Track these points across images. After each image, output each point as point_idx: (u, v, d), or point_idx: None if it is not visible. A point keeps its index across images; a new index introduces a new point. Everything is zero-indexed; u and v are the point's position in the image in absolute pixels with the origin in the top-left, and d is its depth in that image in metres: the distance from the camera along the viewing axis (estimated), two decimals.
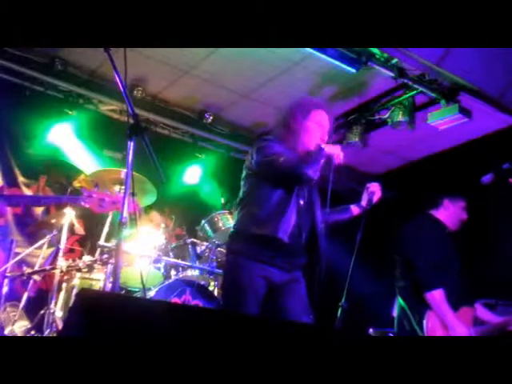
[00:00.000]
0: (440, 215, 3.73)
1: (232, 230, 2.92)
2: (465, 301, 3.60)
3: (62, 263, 4.00)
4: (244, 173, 2.93)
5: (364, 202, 3.08)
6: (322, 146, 2.80)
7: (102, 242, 4.02)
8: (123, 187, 2.83)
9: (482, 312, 3.79)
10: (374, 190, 3.08)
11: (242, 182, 2.93)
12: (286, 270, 2.79)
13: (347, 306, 2.66)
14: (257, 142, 2.91)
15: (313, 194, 2.94)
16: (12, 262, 4.26)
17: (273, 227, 2.71)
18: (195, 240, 4.62)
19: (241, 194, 2.91)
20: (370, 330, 4.37)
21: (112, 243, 3.93)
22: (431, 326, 3.40)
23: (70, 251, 5.18)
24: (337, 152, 2.81)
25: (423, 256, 3.49)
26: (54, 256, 4.73)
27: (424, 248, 3.53)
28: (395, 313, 3.76)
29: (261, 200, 2.79)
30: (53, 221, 4.27)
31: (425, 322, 3.41)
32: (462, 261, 3.97)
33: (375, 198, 3.09)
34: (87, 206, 2.88)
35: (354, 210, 3.09)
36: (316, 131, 2.89)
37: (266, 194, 2.78)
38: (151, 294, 3.89)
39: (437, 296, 3.39)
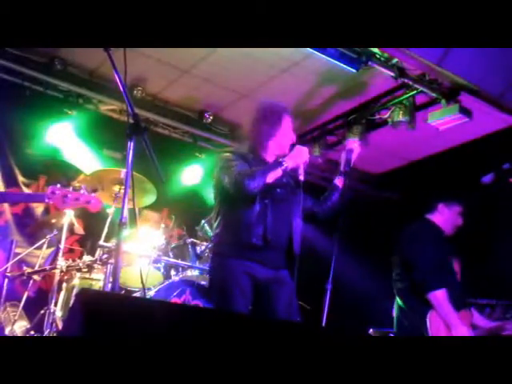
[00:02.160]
0: (436, 219, 3.75)
1: (211, 242, 2.98)
2: (463, 304, 3.61)
3: (61, 263, 4.00)
4: (213, 191, 2.98)
5: (342, 166, 2.97)
6: (282, 160, 2.77)
7: (101, 241, 4.02)
8: (123, 187, 2.83)
9: (475, 317, 3.80)
10: (352, 148, 2.93)
11: (214, 202, 2.98)
12: (269, 266, 2.81)
13: (332, 287, 2.61)
14: (219, 160, 2.93)
15: (293, 196, 2.92)
16: (12, 261, 4.26)
17: (245, 234, 2.75)
18: (195, 240, 4.62)
19: (213, 211, 2.96)
20: (370, 330, 4.37)
21: (112, 243, 3.93)
22: (434, 326, 3.41)
23: (69, 251, 5.17)
24: (298, 161, 2.79)
25: (425, 257, 3.50)
26: (54, 256, 4.73)
27: (425, 249, 3.54)
28: (395, 313, 3.77)
29: (229, 208, 2.85)
30: (53, 221, 4.27)
31: (428, 322, 3.41)
32: (462, 262, 3.97)
33: (354, 156, 2.93)
34: (51, 202, 2.90)
35: (339, 181, 3.01)
36: (289, 135, 2.94)
37: (231, 202, 2.83)
38: (151, 293, 3.89)
39: (440, 296, 3.40)
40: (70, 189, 2.92)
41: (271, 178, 2.73)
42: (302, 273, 2.78)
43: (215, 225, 2.92)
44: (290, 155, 2.82)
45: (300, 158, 2.81)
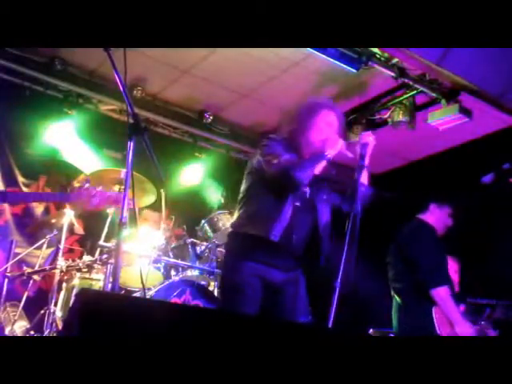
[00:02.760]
0: (428, 219, 3.78)
1: (230, 228, 2.93)
2: (457, 303, 3.64)
3: (61, 263, 4.00)
4: (246, 170, 2.93)
5: (357, 161, 2.79)
6: (326, 152, 2.72)
7: (101, 242, 4.02)
8: (123, 187, 2.83)
9: None
10: (367, 141, 2.79)
11: (244, 180, 2.93)
12: (282, 269, 2.79)
13: (340, 285, 2.55)
14: (263, 140, 2.91)
15: (319, 193, 2.88)
16: (12, 261, 4.26)
17: (265, 229, 2.70)
18: (195, 240, 4.62)
19: (241, 191, 2.91)
20: (370, 330, 4.37)
21: (112, 243, 3.93)
22: (439, 321, 3.43)
23: (69, 251, 5.17)
24: (341, 149, 2.72)
25: (427, 255, 3.54)
26: (54, 256, 4.73)
27: (426, 248, 3.58)
28: (394, 313, 3.78)
29: (257, 199, 2.80)
30: (53, 221, 4.27)
31: (434, 318, 3.44)
32: (461, 262, 3.98)
33: (369, 150, 2.79)
34: (79, 203, 2.77)
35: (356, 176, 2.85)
36: (324, 130, 2.85)
37: (261, 193, 2.79)
38: (151, 293, 3.88)
39: (442, 293, 3.44)
40: (100, 189, 2.79)
41: (318, 168, 2.70)
42: (309, 270, 2.78)
43: (237, 213, 2.85)
44: (327, 147, 2.74)
45: (336, 145, 2.74)
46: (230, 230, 2.92)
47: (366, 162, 2.77)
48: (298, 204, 2.78)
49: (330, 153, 2.73)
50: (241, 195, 2.90)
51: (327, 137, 2.80)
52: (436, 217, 3.79)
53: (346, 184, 2.89)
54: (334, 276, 2.47)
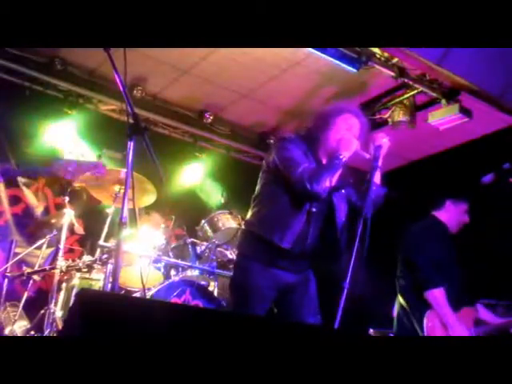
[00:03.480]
0: (442, 216, 3.75)
1: (243, 226, 2.94)
2: (465, 301, 3.61)
3: (61, 263, 4.00)
4: (262, 168, 2.92)
5: (372, 162, 2.77)
6: (341, 153, 2.71)
7: (101, 242, 4.01)
8: (123, 187, 2.82)
9: (483, 313, 3.80)
10: (381, 144, 2.78)
11: (259, 178, 2.92)
12: (293, 271, 2.80)
13: (348, 286, 2.52)
14: (279, 141, 2.91)
15: (336, 198, 2.86)
16: (12, 261, 4.26)
17: (278, 235, 2.68)
18: (195, 240, 4.62)
19: (256, 189, 2.91)
20: (370, 330, 4.37)
21: (112, 243, 3.92)
22: (431, 325, 3.41)
23: (69, 251, 5.17)
24: (357, 150, 2.71)
25: (425, 255, 3.51)
26: (54, 256, 4.72)
27: (425, 247, 3.55)
28: (395, 312, 3.78)
29: (272, 200, 2.79)
30: (53, 221, 4.27)
31: (425, 320, 3.41)
32: (463, 261, 3.97)
33: (383, 152, 2.76)
34: (59, 174, 2.76)
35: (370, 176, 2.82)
36: (342, 131, 2.84)
37: (277, 195, 2.77)
38: (151, 293, 3.88)
39: (437, 295, 3.41)
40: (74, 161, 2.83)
41: (335, 177, 2.70)
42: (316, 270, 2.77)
43: (251, 211, 2.85)
44: (341, 147, 2.74)
45: (351, 146, 2.73)
46: (243, 227, 2.93)
47: (380, 163, 2.77)
48: (314, 210, 2.75)
49: (345, 155, 2.71)
50: (256, 193, 2.90)
51: (342, 137, 2.79)
52: (451, 214, 3.75)
53: (341, 183, 2.89)
54: (343, 276, 2.47)
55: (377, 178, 2.81)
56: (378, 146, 2.77)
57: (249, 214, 2.89)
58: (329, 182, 2.70)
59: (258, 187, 2.90)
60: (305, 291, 2.85)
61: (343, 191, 2.91)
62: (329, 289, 2.85)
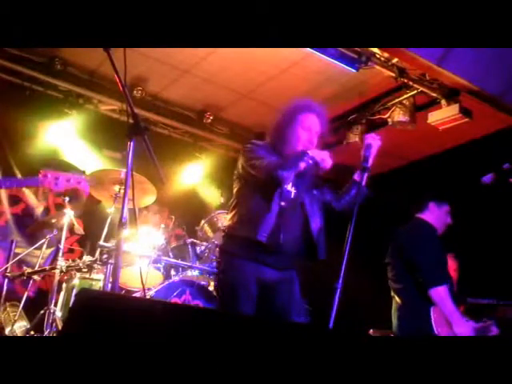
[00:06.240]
0: (427, 218, 3.78)
1: (223, 231, 2.99)
2: (462, 299, 3.63)
3: (61, 263, 4.00)
4: (234, 178, 2.98)
5: (361, 161, 2.77)
6: (309, 151, 2.72)
7: (101, 242, 4.01)
8: (123, 187, 2.82)
9: None
10: (370, 143, 2.78)
11: (233, 185, 2.98)
12: (275, 267, 2.81)
13: (341, 286, 2.52)
14: (244, 147, 2.96)
15: (307, 200, 2.90)
16: (12, 262, 4.26)
17: (253, 230, 2.73)
18: (195, 240, 4.62)
19: (233, 195, 2.96)
20: (370, 330, 4.37)
21: (112, 243, 3.92)
22: (435, 322, 3.43)
23: (69, 251, 5.18)
24: (324, 157, 2.71)
25: (427, 255, 3.53)
26: (54, 256, 4.73)
27: (426, 246, 3.57)
28: (393, 313, 3.78)
29: (245, 202, 2.85)
30: (53, 221, 4.27)
31: (432, 318, 3.43)
32: (461, 262, 3.98)
33: (374, 152, 2.77)
34: (46, 185, 2.89)
35: (357, 176, 2.89)
36: (303, 135, 2.88)
37: (249, 197, 2.83)
38: (151, 293, 3.88)
39: (441, 292, 3.43)
40: (61, 172, 2.93)
41: (302, 166, 2.69)
42: (307, 271, 2.77)
43: (229, 216, 2.91)
44: (301, 145, 2.81)
45: (324, 156, 2.72)
46: (224, 232, 2.97)
47: (369, 163, 2.77)
48: (283, 204, 2.78)
49: (315, 155, 2.70)
50: (230, 201, 2.96)
51: (301, 135, 2.85)
52: (435, 215, 3.79)
53: (341, 183, 2.89)
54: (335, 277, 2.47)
55: (358, 176, 2.85)
56: (368, 145, 2.76)
57: (227, 220, 2.95)
58: (294, 169, 2.70)
59: (233, 193, 2.96)
60: (288, 291, 2.85)
61: (315, 192, 2.94)
62: (320, 289, 2.85)
